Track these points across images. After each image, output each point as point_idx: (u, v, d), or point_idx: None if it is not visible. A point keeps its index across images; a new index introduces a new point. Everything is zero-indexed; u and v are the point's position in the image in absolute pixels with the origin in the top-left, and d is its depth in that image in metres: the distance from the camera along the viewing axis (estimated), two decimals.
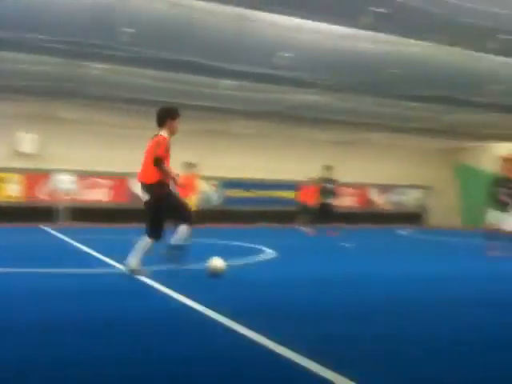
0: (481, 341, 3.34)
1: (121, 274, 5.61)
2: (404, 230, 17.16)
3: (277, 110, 13.89)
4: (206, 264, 5.56)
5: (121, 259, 5.86)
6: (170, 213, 5.46)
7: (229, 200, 18.78)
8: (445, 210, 21.95)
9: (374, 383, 2.46)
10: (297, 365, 2.64)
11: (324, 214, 13.75)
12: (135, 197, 18.10)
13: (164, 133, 5.44)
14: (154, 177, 5.28)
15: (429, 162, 22.18)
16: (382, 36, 8.94)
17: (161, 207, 5.35)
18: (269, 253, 8.14)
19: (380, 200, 21.91)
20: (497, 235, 8.07)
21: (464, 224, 21.05)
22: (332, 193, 13.92)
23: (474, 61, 9.68)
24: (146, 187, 5.36)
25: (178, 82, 11.34)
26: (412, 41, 9.14)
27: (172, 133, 5.49)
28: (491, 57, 9.42)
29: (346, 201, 20.19)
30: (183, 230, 5.53)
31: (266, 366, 2.70)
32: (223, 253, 6.29)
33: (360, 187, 21.17)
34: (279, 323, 3.65)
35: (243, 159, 18.40)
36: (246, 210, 18.69)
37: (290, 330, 3.46)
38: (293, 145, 19.16)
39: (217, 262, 5.54)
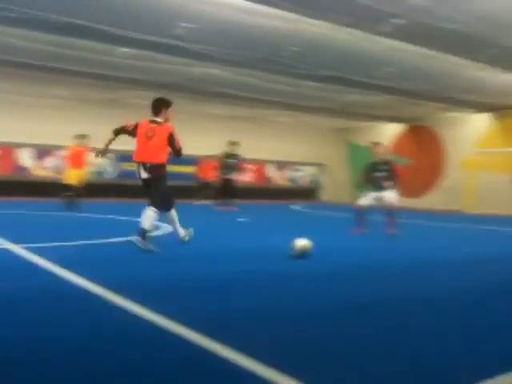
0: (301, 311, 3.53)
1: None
2: (297, 206, 17.77)
3: (176, 82, 13.55)
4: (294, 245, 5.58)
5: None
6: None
7: (125, 174, 18.18)
8: (337, 186, 23.01)
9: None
10: (178, 336, 2.69)
11: (225, 190, 13.80)
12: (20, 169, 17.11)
13: (165, 121, 6.26)
14: (163, 159, 6.17)
15: (323, 140, 23.04)
16: (283, 13, 8.97)
17: (164, 181, 6.20)
18: (164, 228, 8.00)
19: (277, 176, 22.42)
20: (365, 213, 8.50)
21: (354, 200, 22.21)
22: (234, 168, 13.99)
23: (368, 43, 10.04)
24: (155, 166, 6.09)
25: (71, 48, 10.63)
26: (311, 20, 9.27)
27: (167, 120, 6.31)
28: (384, 40, 9.82)
29: (245, 176, 20.45)
30: (152, 213, 5.95)
31: (146, 340, 2.70)
32: (116, 228, 6.09)
33: (258, 163, 21.47)
34: (163, 297, 3.64)
35: None
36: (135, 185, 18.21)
37: (174, 303, 3.47)
38: (193, 119, 18.87)
39: (303, 243, 5.61)
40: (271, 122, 20.71)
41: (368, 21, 8.86)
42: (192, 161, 19.17)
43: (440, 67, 11.62)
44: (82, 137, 12.00)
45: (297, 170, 22.95)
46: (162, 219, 6.54)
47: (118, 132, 6.36)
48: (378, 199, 8.59)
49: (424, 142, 19.74)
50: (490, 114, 17.46)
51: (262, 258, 5.74)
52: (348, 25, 9.10)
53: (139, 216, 6.04)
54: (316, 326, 3.12)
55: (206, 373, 2.26)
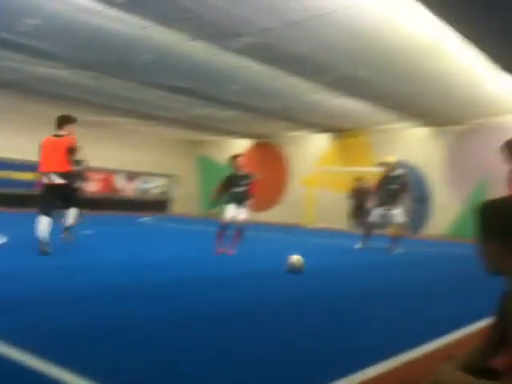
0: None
1: None
2: (146, 218, 17.45)
3: (18, 81, 12.53)
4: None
5: None
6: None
7: None
8: (187, 198, 23.07)
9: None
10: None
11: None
12: None
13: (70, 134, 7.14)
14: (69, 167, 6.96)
15: (174, 152, 22.98)
16: (135, 19, 8.80)
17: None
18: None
19: (126, 187, 21.78)
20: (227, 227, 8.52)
21: (204, 212, 22.47)
22: (79, 176, 13.12)
23: (218, 58, 10.26)
24: (63, 175, 6.89)
25: None
26: (163, 29, 9.22)
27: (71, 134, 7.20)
28: (233, 57, 10.11)
29: (91, 186, 19.57)
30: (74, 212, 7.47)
31: None
32: None
33: (106, 172, 20.65)
34: None
35: None
36: None
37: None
38: (35, 121, 17.61)
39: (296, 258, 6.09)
40: (120, 130, 20.12)
41: (217, 37, 9.07)
42: (31, 167, 17.87)
43: (284, 88, 12.29)
44: None
45: (147, 181, 22.52)
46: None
47: None
48: (237, 213, 8.50)
49: (270, 159, 20.70)
50: (329, 135, 18.92)
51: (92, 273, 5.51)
52: (198, 38, 9.20)
53: None
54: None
55: None
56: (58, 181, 6.84)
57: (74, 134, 7.22)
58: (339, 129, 17.74)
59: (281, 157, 20.42)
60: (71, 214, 7.43)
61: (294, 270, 5.98)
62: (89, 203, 18.14)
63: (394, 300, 4.86)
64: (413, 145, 16.67)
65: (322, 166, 18.35)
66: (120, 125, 19.28)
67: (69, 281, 4.87)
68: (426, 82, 11.20)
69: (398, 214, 9.74)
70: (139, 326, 3.27)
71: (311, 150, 19.47)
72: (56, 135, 7.12)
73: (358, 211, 15.62)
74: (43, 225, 6.63)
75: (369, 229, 10.13)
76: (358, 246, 9.97)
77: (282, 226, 16.83)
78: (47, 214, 6.72)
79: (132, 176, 21.82)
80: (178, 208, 23.03)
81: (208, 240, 8.58)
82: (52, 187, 6.84)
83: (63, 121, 7.28)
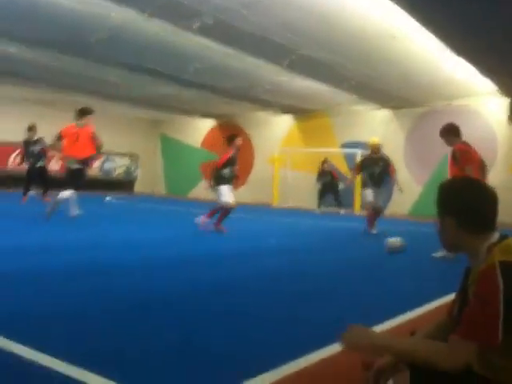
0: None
1: None
2: (109, 197, 17.23)
3: None
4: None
5: None
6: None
7: None
8: (151, 178, 22.85)
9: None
10: None
11: (37, 179, 12.61)
12: None
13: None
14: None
15: (136, 131, 22.62)
16: None
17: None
18: None
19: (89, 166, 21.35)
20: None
21: (168, 192, 22.33)
22: (41, 155, 12.87)
23: (177, 37, 10.08)
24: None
25: None
26: (119, 7, 8.98)
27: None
28: (193, 36, 9.96)
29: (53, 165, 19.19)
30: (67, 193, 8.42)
31: None
32: None
33: None
34: None
35: None
36: None
37: None
38: None
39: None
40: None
41: (175, 15, 8.91)
42: None
43: (245, 68, 12.19)
44: None
45: (110, 161, 22.14)
46: None
47: None
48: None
49: None
50: (292, 116, 18.97)
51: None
52: (155, 16, 9.02)
53: None
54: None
55: None
56: (76, 166, 8.56)
57: (91, 123, 8.94)
58: (302, 110, 17.79)
59: (244, 137, 20.35)
60: (67, 193, 8.43)
61: (396, 251, 6.58)
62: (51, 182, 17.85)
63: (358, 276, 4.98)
64: (374, 126, 16.87)
65: (286, 147, 18.44)
66: (80, 104, 18.78)
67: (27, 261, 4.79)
68: (386, 64, 11.30)
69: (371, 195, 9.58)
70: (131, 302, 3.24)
71: (274, 130, 19.48)
72: (77, 124, 8.82)
73: (325, 192, 15.95)
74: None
75: (377, 211, 9.58)
76: (374, 231, 9.38)
77: (250, 206, 16.86)
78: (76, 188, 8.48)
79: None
80: (141, 188, 22.79)
81: (181, 219, 8.56)
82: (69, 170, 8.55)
83: (83, 112, 9.06)
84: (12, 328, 2.78)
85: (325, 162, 16.20)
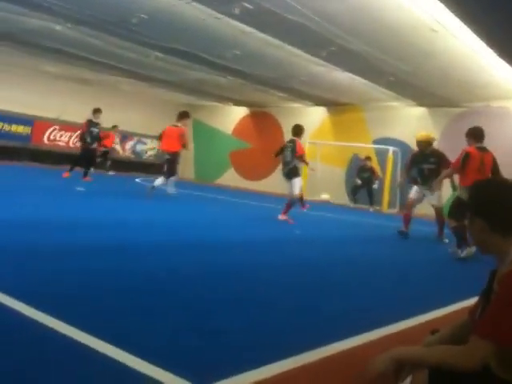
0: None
1: None
2: (140, 179, 17.48)
3: (9, 32, 12.33)
4: None
5: None
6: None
7: None
8: (180, 162, 23.00)
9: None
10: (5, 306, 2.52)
11: (86, 159, 12.94)
12: None
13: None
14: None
15: (170, 115, 22.67)
16: None
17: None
18: None
19: (120, 147, 21.68)
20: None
21: (196, 178, 22.48)
22: (97, 138, 13.38)
23: (217, 22, 10.10)
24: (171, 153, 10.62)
25: None
26: None
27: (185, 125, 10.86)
28: (232, 21, 9.98)
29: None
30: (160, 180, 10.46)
31: None
32: None
33: (102, 132, 20.39)
34: None
35: None
36: None
37: None
38: (28, 74, 17.42)
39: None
40: (116, 90, 19.89)
41: (217, 0, 8.94)
42: (25, 121, 17.80)
43: (282, 57, 12.16)
44: None
45: (141, 143, 22.39)
46: None
47: None
48: None
49: (266, 128, 20.61)
50: (325, 108, 18.83)
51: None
52: (195, 0, 9.06)
53: None
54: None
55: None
56: (167, 157, 10.73)
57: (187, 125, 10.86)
58: (335, 103, 17.66)
59: (276, 127, 20.35)
60: (160, 180, 10.50)
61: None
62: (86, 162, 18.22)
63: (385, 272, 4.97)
64: (408, 124, 16.63)
65: (316, 139, 18.34)
66: (115, 84, 19.07)
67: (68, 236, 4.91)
68: (425, 62, 11.13)
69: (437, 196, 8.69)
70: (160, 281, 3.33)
71: (306, 122, 19.19)
72: (174, 125, 10.88)
73: (360, 188, 15.91)
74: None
75: (408, 209, 8.89)
76: (402, 229, 8.60)
77: (277, 197, 16.86)
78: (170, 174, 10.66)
79: (126, 136, 21.68)
80: None
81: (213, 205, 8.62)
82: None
83: (182, 116, 11.16)
84: (52, 302, 2.89)
85: (368, 158, 16.12)
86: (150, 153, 22.72)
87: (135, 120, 20.97)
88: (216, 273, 4.10)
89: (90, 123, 13.23)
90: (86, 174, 12.81)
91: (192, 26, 10.54)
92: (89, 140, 13.03)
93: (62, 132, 19.08)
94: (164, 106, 22.33)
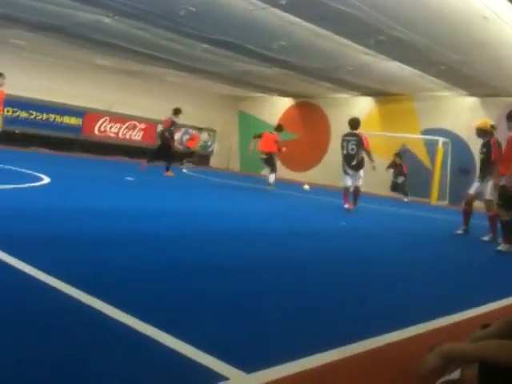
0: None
1: None
2: (187, 169, 17.75)
3: (60, 26, 12.70)
4: None
5: None
6: None
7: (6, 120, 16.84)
8: (226, 153, 23.20)
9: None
10: (64, 293, 2.59)
11: (167, 155, 13.53)
12: None
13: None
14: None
15: (216, 106, 22.95)
16: None
17: None
18: (43, 180, 7.67)
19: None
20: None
21: (242, 169, 22.60)
22: (173, 134, 13.92)
23: (263, 13, 10.10)
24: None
25: None
26: None
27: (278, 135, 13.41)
28: (279, 12, 9.94)
29: (134, 135, 20.03)
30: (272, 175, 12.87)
31: (27, 292, 2.59)
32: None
33: (149, 123, 20.87)
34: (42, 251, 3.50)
35: (18, 75, 16.58)
36: (23, 133, 17.05)
37: (55, 257, 3.35)
38: (79, 67, 17.93)
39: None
40: (162, 82, 20.21)
41: None
42: (77, 112, 18.36)
43: (330, 47, 12.03)
44: None
45: (188, 134, 22.65)
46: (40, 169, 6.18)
47: None
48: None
49: (311, 119, 20.49)
50: (372, 99, 18.52)
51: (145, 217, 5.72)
52: None
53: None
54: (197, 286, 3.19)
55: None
56: (263, 156, 13.13)
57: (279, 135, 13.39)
58: (384, 93, 17.34)
59: (322, 118, 20.20)
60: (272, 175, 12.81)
61: None
62: (130, 152, 18.65)
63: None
64: (458, 114, 16.17)
65: (363, 130, 18.04)
66: (162, 76, 19.36)
67: (108, 224, 5.06)
68: (477, 49, 10.76)
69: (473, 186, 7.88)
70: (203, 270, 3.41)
71: (353, 112, 19.04)
72: (270, 132, 13.35)
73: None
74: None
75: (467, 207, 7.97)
76: (459, 231, 7.86)
77: (323, 187, 16.77)
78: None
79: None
80: (216, 163, 23.21)
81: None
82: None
83: (277, 128, 13.56)
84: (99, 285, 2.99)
85: (397, 155, 15.95)
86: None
87: (183, 111, 21.19)
88: (267, 264, 4.13)
89: (172, 123, 13.70)
90: (167, 169, 13.26)
91: (239, 18, 10.57)
92: (169, 137, 13.64)
93: (112, 123, 19.57)
94: (210, 98, 22.56)
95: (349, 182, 9.57)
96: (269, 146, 13.01)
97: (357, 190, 9.63)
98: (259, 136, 13.30)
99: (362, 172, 9.62)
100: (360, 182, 9.62)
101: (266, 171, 14.85)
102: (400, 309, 3.23)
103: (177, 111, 13.82)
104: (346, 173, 9.65)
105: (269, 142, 13.00)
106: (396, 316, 3.03)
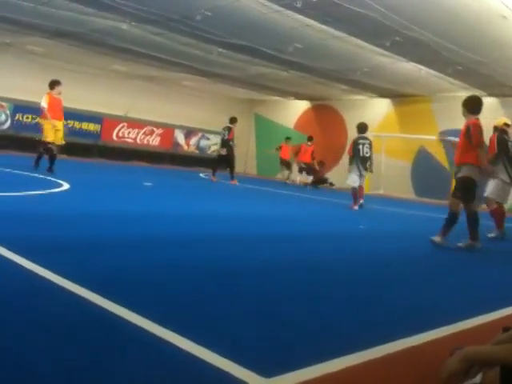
0: None
1: None
2: (204, 174, 17.80)
3: (78, 32, 12.88)
4: None
5: None
6: None
7: (19, 125, 17.12)
8: (243, 157, 23.22)
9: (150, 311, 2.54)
10: (80, 296, 2.61)
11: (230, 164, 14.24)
12: None
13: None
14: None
15: (232, 110, 22.91)
16: None
17: None
18: (63, 186, 7.76)
19: (185, 143, 22.12)
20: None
21: (259, 173, 22.59)
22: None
23: (279, 15, 10.11)
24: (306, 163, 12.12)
25: None
26: None
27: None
28: (294, 14, 9.94)
29: (151, 140, 20.15)
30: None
31: (48, 299, 2.61)
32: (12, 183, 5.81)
33: (166, 128, 21.01)
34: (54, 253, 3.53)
35: (35, 81, 16.81)
36: (34, 139, 17.25)
37: (73, 262, 3.38)
38: (97, 73, 18.10)
39: None
40: (179, 86, 20.32)
41: None
42: (95, 118, 18.54)
43: (345, 49, 12.00)
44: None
45: (205, 138, 22.75)
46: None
47: None
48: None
49: (328, 121, 20.41)
50: (389, 100, 18.39)
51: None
52: None
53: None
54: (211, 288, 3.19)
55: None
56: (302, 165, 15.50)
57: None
58: (400, 94, 17.22)
59: (338, 120, 20.11)
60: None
61: None
62: (149, 157, 18.73)
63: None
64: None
65: (380, 132, 17.95)
66: (179, 81, 19.48)
67: (123, 228, 5.09)
68: (495, 49, 10.63)
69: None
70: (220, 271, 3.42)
71: (370, 114, 18.96)
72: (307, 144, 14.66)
73: None
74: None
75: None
76: (492, 235, 7.41)
77: (339, 190, 16.71)
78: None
79: (190, 132, 22.10)
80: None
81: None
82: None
83: (310, 138, 16.50)
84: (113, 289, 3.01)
85: None
86: (213, 148, 23.04)
87: (199, 116, 21.35)
88: (286, 266, 4.12)
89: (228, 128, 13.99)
90: (232, 178, 13.76)
91: (254, 21, 10.60)
92: (232, 145, 14.19)
93: (130, 129, 19.74)
94: (226, 102, 22.60)
95: (357, 182, 10.12)
96: (307, 157, 16.81)
97: (361, 189, 10.38)
98: (298, 150, 16.77)
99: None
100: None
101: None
102: (421, 310, 3.20)
103: (233, 120, 14.15)
104: (360, 174, 10.18)
105: (306, 154, 16.75)
106: (417, 318, 2.99)
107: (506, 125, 7.85)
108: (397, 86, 15.82)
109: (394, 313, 3.10)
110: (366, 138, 10.38)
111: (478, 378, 1.79)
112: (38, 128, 14.52)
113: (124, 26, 11.94)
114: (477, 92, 15.49)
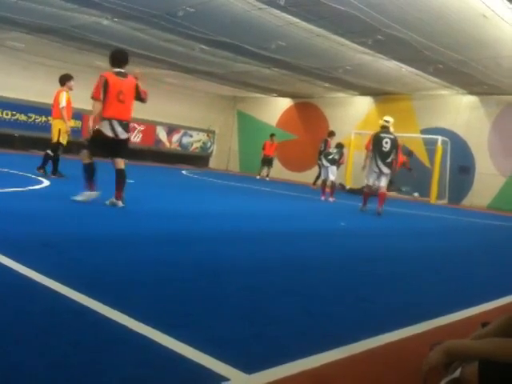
0: None
1: None
2: (186, 171, 17.74)
3: (59, 28, 12.72)
4: None
5: None
6: None
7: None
8: (225, 154, 23.20)
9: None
10: (56, 292, 2.60)
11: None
12: None
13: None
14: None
15: (215, 107, 22.96)
16: None
17: None
18: (42, 183, 7.66)
19: (167, 139, 22.02)
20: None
21: (241, 170, 22.58)
22: None
23: (262, 13, 10.10)
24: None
25: None
26: None
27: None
28: (277, 12, 9.95)
29: (133, 137, 19.97)
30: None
31: (27, 296, 2.59)
32: None
33: (148, 124, 20.86)
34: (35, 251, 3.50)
35: (16, 77, 16.57)
36: (22, 136, 17.06)
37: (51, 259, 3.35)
38: (79, 69, 17.86)
39: None
40: (161, 83, 20.18)
41: None
42: (75, 115, 18.29)
43: (328, 47, 12.04)
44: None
45: (187, 135, 22.67)
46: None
47: None
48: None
49: (310, 119, 20.48)
50: (371, 98, 18.52)
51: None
52: None
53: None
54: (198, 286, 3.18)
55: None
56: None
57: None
58: (382, 92, 17.35)
59: (321, 117, 20.19)
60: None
61: None
62: (129, 154, 18.50)
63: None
64: (457, 112, 16.18)
65: (361, 130, 18.07)
66: (161, 77, 19.34)
67: (114, 225, 5.05)
68: (476, 49, 10.79)
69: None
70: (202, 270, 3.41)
71: (352, 112, 19.14)
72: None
73: None
74: None
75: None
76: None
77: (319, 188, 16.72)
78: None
79: (172, 129, 22.00)
80: (216, 164, 23.21)
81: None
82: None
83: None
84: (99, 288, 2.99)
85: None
86: (195, 145, 22.98)
87: (181, 113, 21.26)
88: (274, 263, 4.13)
89: None
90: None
91: (237, 18, 10.58)
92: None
93: None
94: (209, 99, 22.56)
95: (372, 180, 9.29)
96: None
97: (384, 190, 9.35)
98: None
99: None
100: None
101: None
102: (404, 307, 3.23)
103: (331, 134, 15.15)
104: (380, 171, 9.17)
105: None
106: (399, 315, 3.02)
107: (386, 121, 8.78)
108: (378, 83, 15.94)
109: (381, 310, 3.13)
110: (390, 133, 9.48)
111: (458, 372, 1.82)
112: (24, 125, 14.23)
113: (105, 22, 11.82)
114: (457, 90, 15.73)
